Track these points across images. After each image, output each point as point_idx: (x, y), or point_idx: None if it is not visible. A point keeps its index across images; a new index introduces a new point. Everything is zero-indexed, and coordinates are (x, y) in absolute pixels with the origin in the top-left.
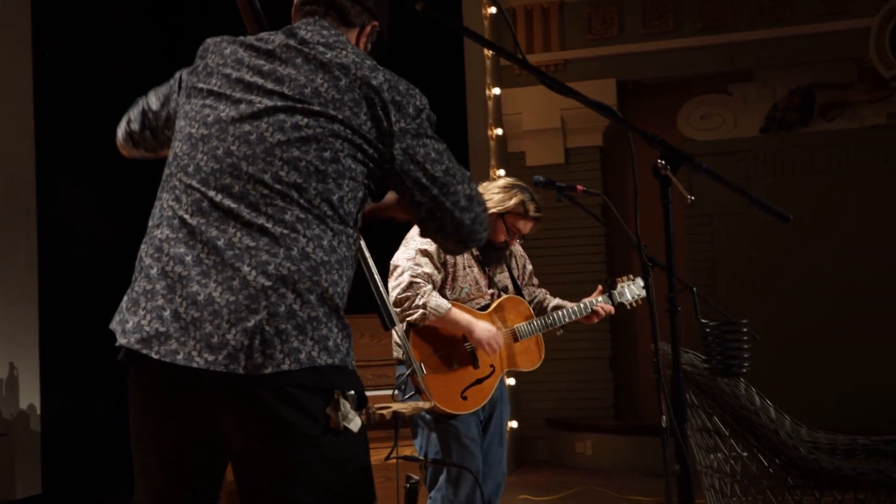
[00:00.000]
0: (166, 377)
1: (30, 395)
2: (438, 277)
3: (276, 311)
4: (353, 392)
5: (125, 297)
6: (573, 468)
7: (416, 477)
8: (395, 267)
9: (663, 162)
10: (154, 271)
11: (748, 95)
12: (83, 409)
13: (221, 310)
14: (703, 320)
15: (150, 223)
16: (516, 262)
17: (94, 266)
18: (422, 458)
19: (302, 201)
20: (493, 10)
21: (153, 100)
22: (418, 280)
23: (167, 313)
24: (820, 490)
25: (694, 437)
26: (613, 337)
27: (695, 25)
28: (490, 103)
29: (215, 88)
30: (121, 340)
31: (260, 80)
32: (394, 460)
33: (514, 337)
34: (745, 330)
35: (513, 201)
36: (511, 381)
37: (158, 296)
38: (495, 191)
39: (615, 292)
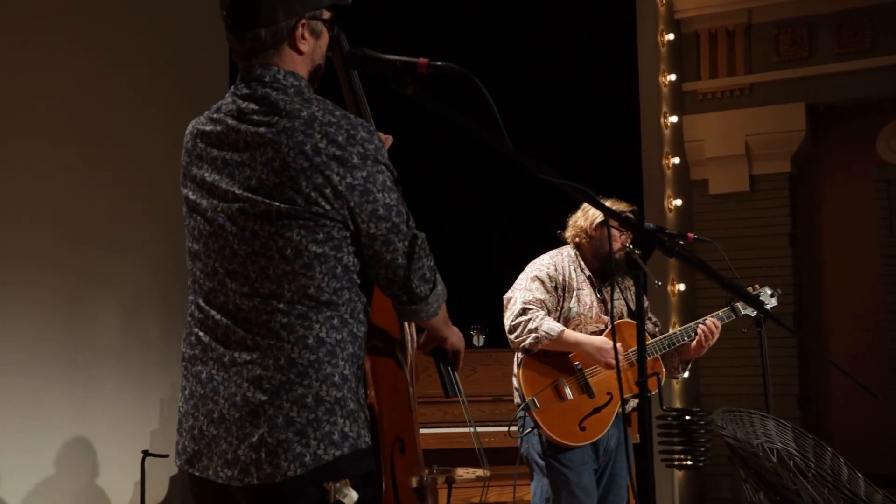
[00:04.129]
0: (206, 484)
1: None
2: (551, 302)
3: (275, 424)
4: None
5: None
6: None
7: None
8: (508, 299)
9: (632, 247)
10: (186, 392)
11: None
12: None
13: (231, 427)
14: (664, 408)
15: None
16: (631, 294)
17: None
18: None
19: (282, 306)
20: (670, 36)
21: None
22: (530, 306)
23: (196, 432)
24: None
25: None
26: (802, 373)
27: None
28: (667, 131)
29: (190, 196)
30: (176, 463)
31: (216, 178)
32: None
33: (630, 361)
34: (703, 422)
35: (599, 217)
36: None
37: (189, 416)
38: (586, 209)
39: (738, 305)
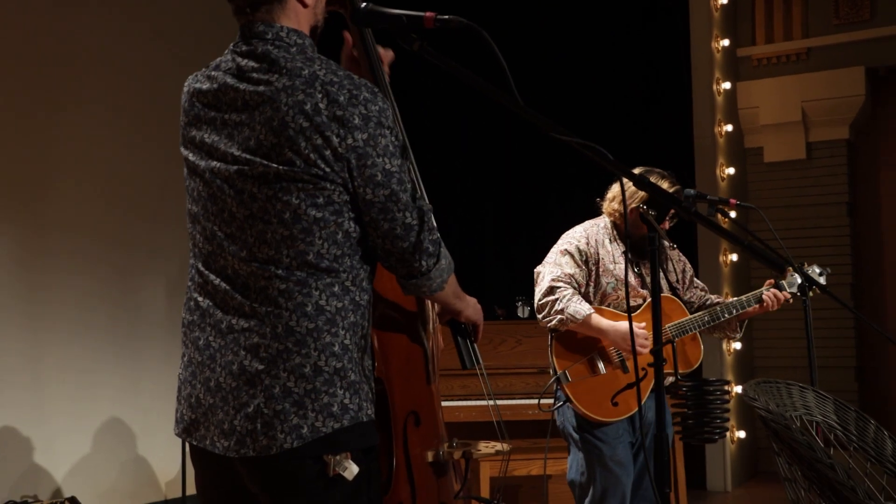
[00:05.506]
0: (204, 453)
1: None
2: (582, 276)
3: (271, 394)
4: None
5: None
6: None
7: None
8: (538, 273)
9: (645, 207)
10: (185, 358)
11: None
12: None
13: (227, 396)
14: (681, 378)
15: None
16: (673, 265)
17: None
18: (494, 501)
19: (280, 272)
20: (724, 0)
21: None
22: (558, 284)
23: (193, 400)
24: None
25: (784, 487)
26: (859, 345)
27: None
28: (720, 98)
29: (189, 157)
30: (174, 431)
31: (215, 139)
32: None
33: (668, 337)
34: (719, 393)
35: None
36: (739, 390)
37: (187, 383)
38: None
39: (784, 282)
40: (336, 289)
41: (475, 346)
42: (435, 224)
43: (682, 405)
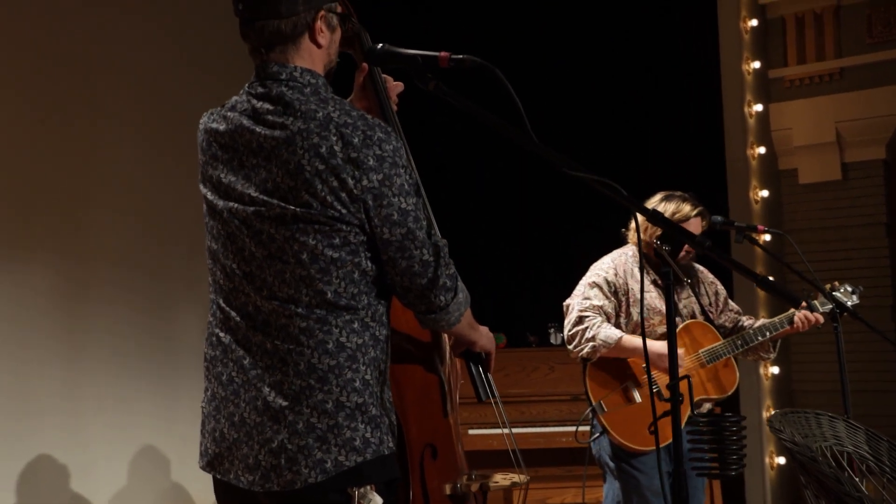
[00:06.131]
0: (229, 487)
1: None
2: (611, 307)
3: (295, 430)
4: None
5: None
6: None
7: None
8: (567, 306)
9: (658, 242)
10: (209, 393)
11: None
12: None
13: (251, 431)
14: (697, 411)
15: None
16: (705, 288)
17: None
18: None
19: (300, 310)
20: (754, 22)
21: None
22: (587, 313)
23: (217, 434)
24: None
25: None
26: None
27: None
28: (752, 120)
29: (208, 196)
30: (199, 464)
31: (232, 179)
32: None
33: (701, 362)
34: (735, 428)
35: (667, 214)
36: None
37: (211, 418)
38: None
39: (816, 302)
40: (356, 325)
41: (490, 376)
42: (450, 259)
43: (698, 441)
